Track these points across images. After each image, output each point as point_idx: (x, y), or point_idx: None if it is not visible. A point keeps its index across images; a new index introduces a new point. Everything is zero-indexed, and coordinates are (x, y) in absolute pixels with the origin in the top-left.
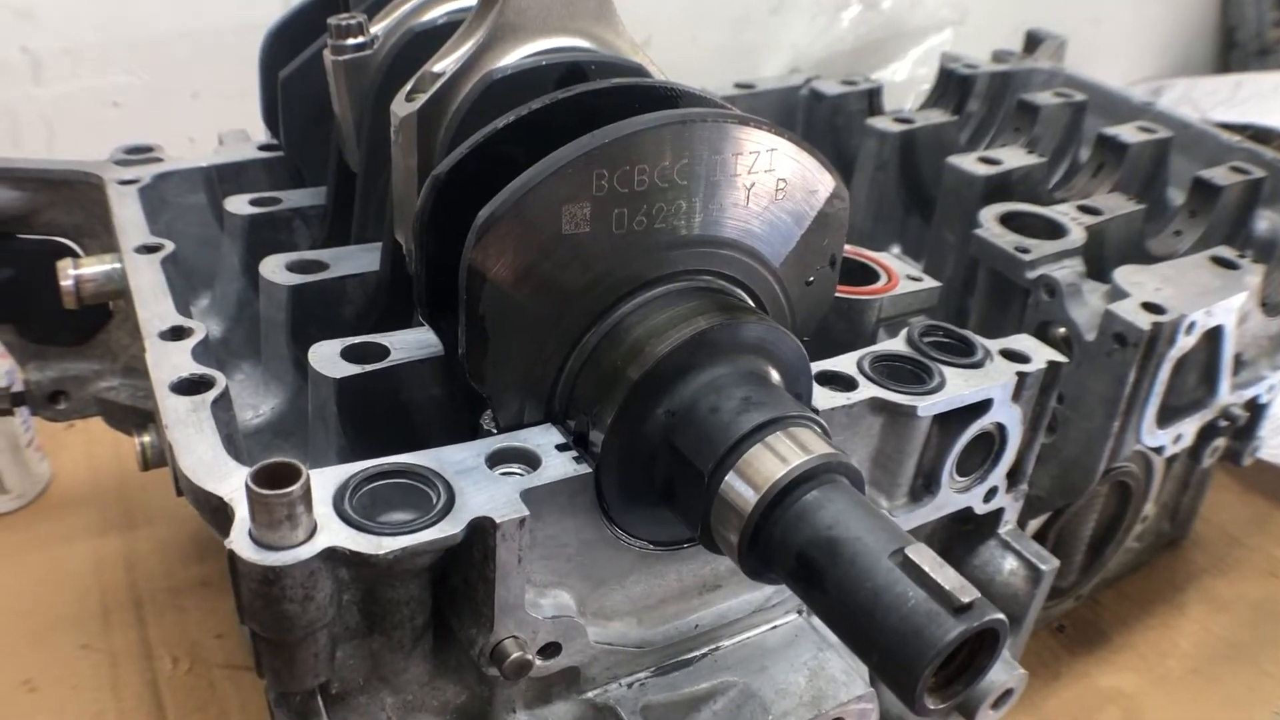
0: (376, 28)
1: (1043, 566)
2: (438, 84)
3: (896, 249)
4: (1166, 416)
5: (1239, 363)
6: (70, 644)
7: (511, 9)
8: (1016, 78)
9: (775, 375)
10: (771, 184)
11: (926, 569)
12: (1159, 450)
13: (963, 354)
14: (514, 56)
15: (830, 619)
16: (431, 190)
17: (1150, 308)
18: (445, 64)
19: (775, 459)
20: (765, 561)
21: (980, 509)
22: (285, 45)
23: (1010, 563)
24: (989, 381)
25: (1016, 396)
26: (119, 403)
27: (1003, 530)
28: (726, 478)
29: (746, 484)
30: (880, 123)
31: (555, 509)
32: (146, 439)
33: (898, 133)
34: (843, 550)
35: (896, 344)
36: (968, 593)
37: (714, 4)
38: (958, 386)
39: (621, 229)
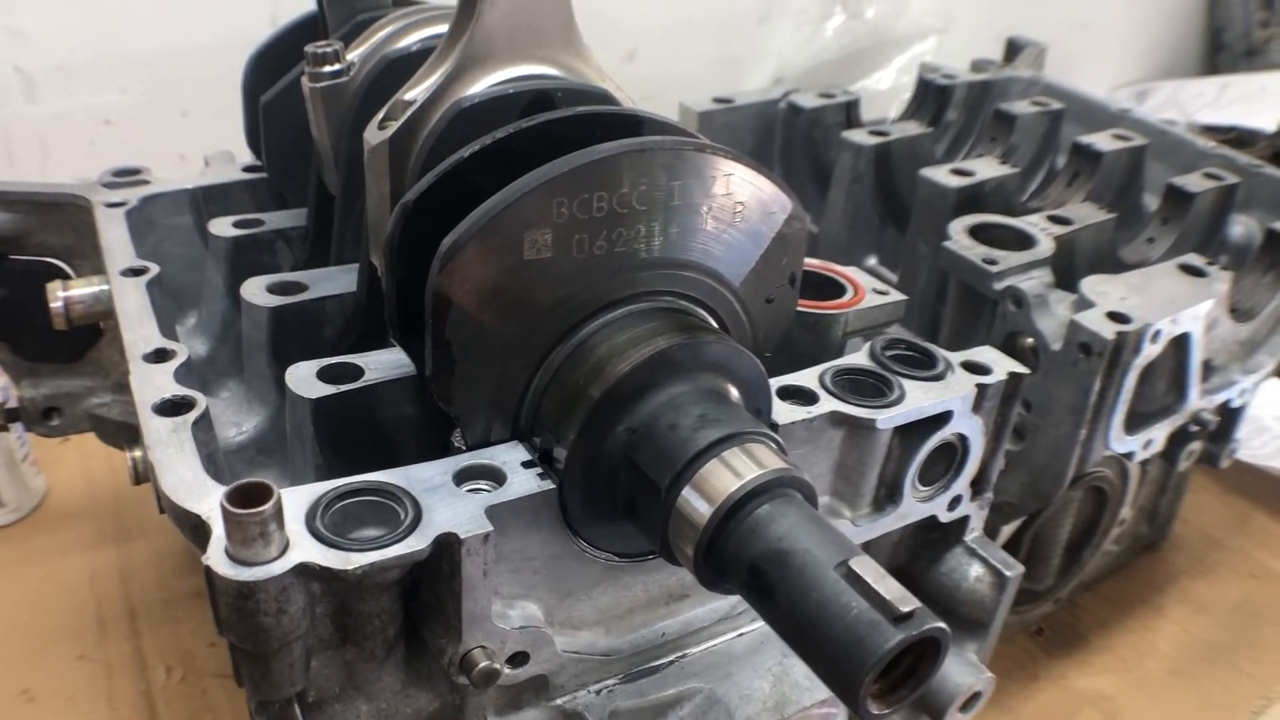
0: (353, 54)
1: (1008, 573)
2: (408, 112)
3: (873, 260)
4: (1135, 423)
5: (1209, 368)
6: (67, 655)
7: (479, 38)
8: (995, 87)
9: (734, 392)
10: (729, 207)
11: (869, 580)
12: (1129, 456)
13: (924, 366)
14: (482, 85)
15: (781, 629)
16: (400, 218)
17: (1115, 317)
18: (416, 92)
19: (730, 474)
20: (720, 573)
21: (945, 517)
22: (266, 69)
23: (976, 569)
24: (949, 393)
25: (977, 408)
26: (111, 418)
27: (969, 538)
28: (683, 492)
29: (702, 498)
30: (855, 135)
31: (520, 524)
32: (138, 454)
33: (872, 145)
34: (791, 562)
35: (859, 358)
36: (908, 602)
37: (700, 15)
38: (917, 399)
39: (583, 254)
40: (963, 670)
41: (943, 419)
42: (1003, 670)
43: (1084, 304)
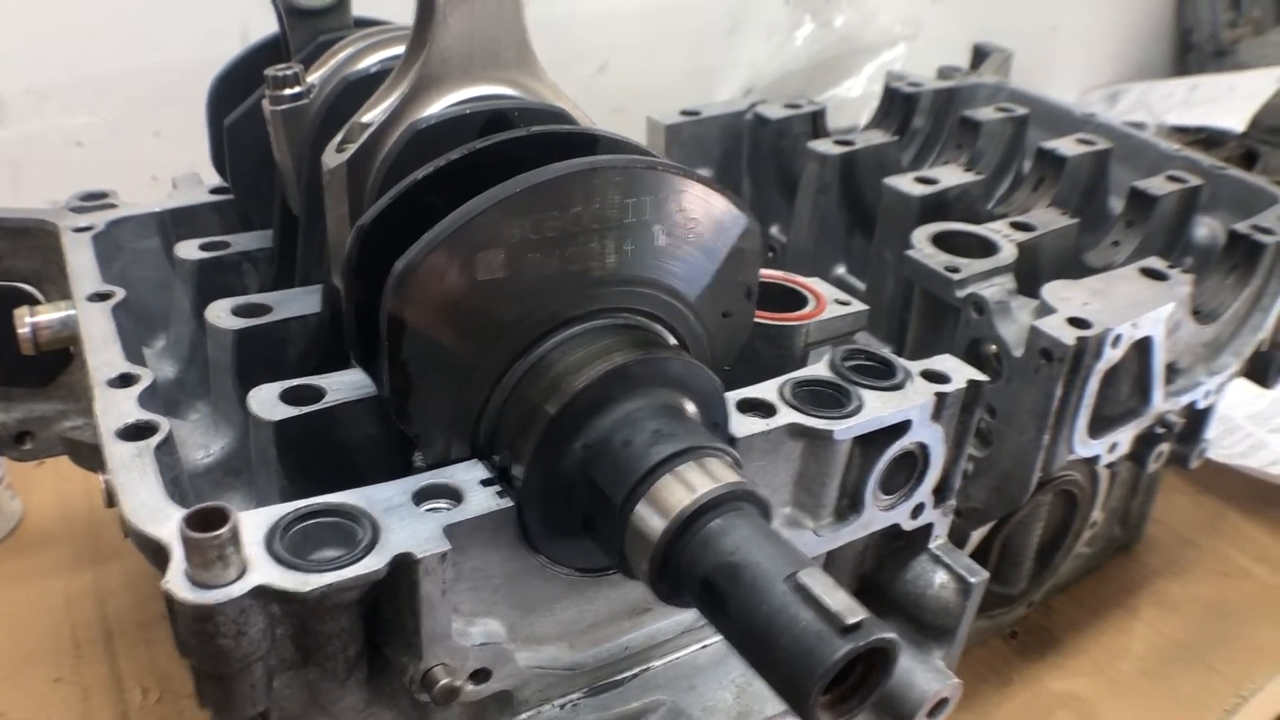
0: (314, 76)
1: (972, 579)
2: (365, 134)
3: (841, 269)
4: (1100, 426)
5: (1173, 370)
6: (43, 678)
7: (434, 60)
8: (960, 94)
9: (691, 407)
10: (683, 224)
11: (817, 592)
12: (1095, 460)
13: (883, 376)
14: (438, 106)
15: (734, 642)
16: (356, 240)
17: (1076, 322)
18: (373, 114)
19: (683, 488)
20: (675, 587)
21: (908, 525)
22: (231, 92)
23: (941, 576)
24: (907, 402)
25: (937, 416)
26: (83, 441)
27: (933, 545)
28: (638, 507)
29: (656, 513)
30: (821, 145)
31: (479, 542)
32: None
33: (838, 155)
34: (742, 575)
35: (819, 369)
36: (855, 613)
37: (671, 27)
38: (875, 409)
39: (536, 273)
40: (929, 676)
41: (902, 428)
42: (976, 674)
43: (1045, 310)
